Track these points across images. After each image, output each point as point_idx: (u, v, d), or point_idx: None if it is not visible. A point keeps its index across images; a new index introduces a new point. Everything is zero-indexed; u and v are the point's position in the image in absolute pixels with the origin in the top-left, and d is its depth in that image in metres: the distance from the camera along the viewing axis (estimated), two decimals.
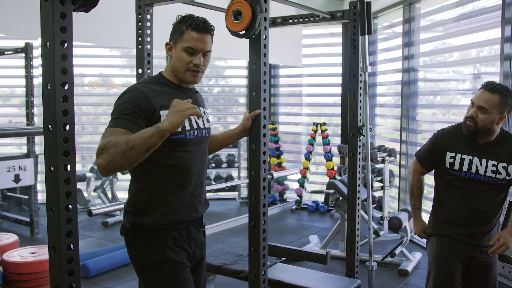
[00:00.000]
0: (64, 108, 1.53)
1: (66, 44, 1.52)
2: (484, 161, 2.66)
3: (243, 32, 2.33)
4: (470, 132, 2.64)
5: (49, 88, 1.51)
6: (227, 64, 8.86)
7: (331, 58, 7.98)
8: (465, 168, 2.68)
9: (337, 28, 7.68)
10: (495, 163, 2.65)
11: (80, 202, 7.04)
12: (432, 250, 2.80)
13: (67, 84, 1.53)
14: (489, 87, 2.60)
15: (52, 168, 1.53)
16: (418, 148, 6.01)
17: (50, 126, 1.52)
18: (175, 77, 2.16)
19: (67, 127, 1.54)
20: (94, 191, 7.14)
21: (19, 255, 3.77)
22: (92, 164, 7.12)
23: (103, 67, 8.37)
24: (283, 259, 4.31)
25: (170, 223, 2.09)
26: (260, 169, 2.37)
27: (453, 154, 2.71)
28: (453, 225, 2.74)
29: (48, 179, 1.55)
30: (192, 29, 2.07)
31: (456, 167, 2.70)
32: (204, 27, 2.09)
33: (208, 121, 2.29)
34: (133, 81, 8.45)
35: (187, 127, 2.10)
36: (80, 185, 7.16)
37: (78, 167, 7.79)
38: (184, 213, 2.14)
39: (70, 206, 1.56)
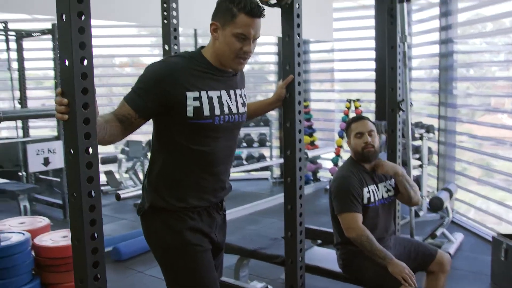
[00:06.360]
0: (83, 86, 1.40)
1: (83, 16, 1.38)
2: (381, 185, 2.86)
3: (275, 1, 2.17)
4: (372, 157, 2.82)
5: (67, 64, 1.38)
6: None
7: (363, 31, 7.69)
8: (378, 197, 2.82)
9: (369, 0, 7.40)
10: (391, 182, 2.91)
11: (112, 184, 7.05)
12: None
13: (85, 60, 1.39)
14: (358, 116, 2.95)
15: (72, 152, 1.41)
16: (458, 123, 5.82)
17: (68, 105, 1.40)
18: (217, 60, 1.97)
19: (88, 106, 1.41)
20: (126, 172, 7.12)
21: (51, 239, 3.72)
22: (122, 146, 7.07)
23: (133, 47, 8.29)
24: (319, 242, 4.16)
25: (190, 206, 1.99)
26: (295, 148, 2.23)
27: (367, 189, 2.79)
28: None
29: (68, 163, 1.43)
30: (245, 13, 1.87)
31: (372, 199, 2.80)
32: (258, 11, 1.89)
33: (244, 104, 2.12)
34: None
35: (217, 112, 1.94)
36: (111, 167, 7.15)
37: (110, 149, 7.78)
38: (205, 198, 2.03)
39: (93, 192, 1.44)
